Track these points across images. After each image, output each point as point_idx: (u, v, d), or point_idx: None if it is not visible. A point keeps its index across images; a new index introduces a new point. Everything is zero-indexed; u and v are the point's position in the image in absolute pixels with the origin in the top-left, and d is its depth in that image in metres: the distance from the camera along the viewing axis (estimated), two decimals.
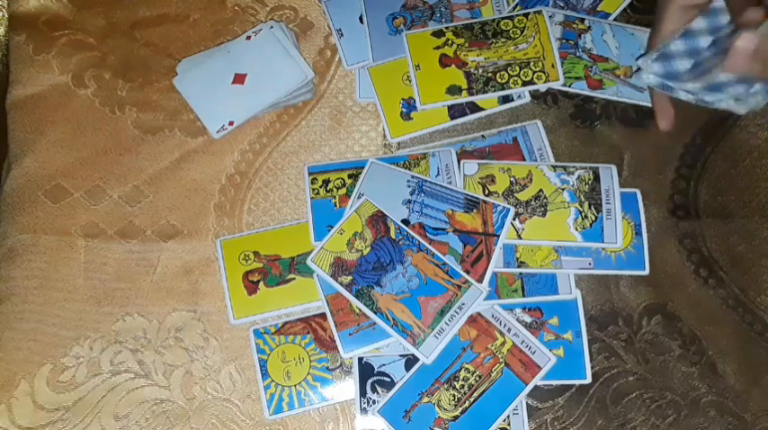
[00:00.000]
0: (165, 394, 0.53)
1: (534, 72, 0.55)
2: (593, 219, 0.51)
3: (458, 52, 0.56)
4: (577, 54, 0.57)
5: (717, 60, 0.45)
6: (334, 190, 0.54)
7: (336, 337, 0.50)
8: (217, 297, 0.54)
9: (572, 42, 0.57)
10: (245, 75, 0.56)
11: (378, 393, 0.51)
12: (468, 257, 0.50)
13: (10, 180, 0.57)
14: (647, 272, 0.52)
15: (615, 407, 0.52)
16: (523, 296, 0.52)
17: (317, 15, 0.60)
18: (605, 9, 0.58)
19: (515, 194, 0.53)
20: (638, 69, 0.54)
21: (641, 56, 0.52)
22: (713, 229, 0.55)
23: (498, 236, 0.51)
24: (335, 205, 0.54)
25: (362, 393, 0.51)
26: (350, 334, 0.50)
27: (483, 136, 0.56)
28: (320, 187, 0.54)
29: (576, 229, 0.51)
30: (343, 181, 0.54)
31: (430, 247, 0.50)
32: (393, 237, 0.51)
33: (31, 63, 0.58)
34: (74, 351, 0.53)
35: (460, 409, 0.49)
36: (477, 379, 0.50)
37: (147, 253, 0.55)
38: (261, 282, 0.53)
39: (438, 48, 0.56)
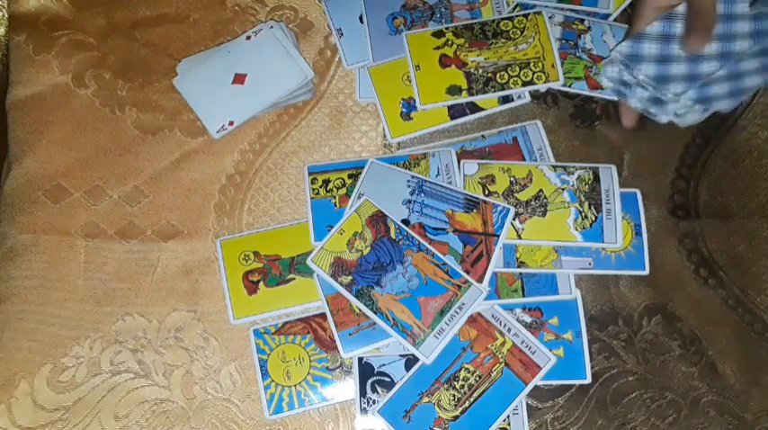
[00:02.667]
0: (165, 394, 0.53)
1: (534, 72, 0.55)
2: (593, 219, 0.51)
3: (458, 52, 0.56)
4: (577, 54, 0.57)
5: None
6: (334, 190, 0.54)
7: (336, 337, 0.50)
8: (217, 297, 0.54)
9: (572, 43, 0.57)
10: (245, 75, 0.56)
11: (378, 393, 0.51)
12: (468, 257, 0.50)
13: (10, 180, 0.57)
14: (647, 272, 0.52)
15: (615, 407, 0.52)
16: (523, 296, 0.52)
17: (316, 15, 0.60)
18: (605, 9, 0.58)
19: (515, 194, 0.52)
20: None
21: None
22: (713, 229, 0.55)
23: (498, 236, 0.51)
24: (335, 205, 0.54)
25: (362, 393, 0.51)
26: (350, 334, 0.50)
27: (483, 136, 0.56)
28: (320, 187, 0.54)
29: (576, 229, 0.51)
30: (343, 181, 0.54)
31: (430, 247, 0.50)
32: (393, 237, 0.51)
33: (31, 63, 0.58)
34: (74, 351, 0.53)
35: (460, 409, 0.49)
36: (477, 379, 0.49)
37: (147, 253, 0.55)
38: (261, 282, 0.53)
39: (438, 48, 0.56)
